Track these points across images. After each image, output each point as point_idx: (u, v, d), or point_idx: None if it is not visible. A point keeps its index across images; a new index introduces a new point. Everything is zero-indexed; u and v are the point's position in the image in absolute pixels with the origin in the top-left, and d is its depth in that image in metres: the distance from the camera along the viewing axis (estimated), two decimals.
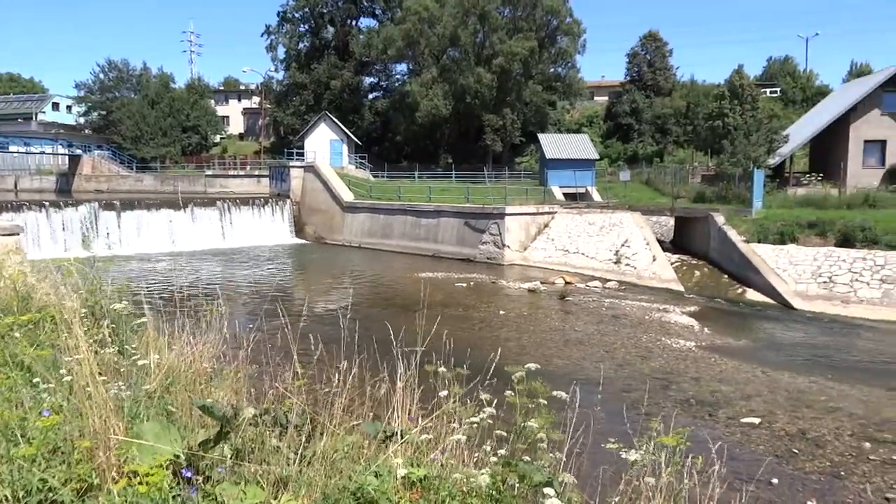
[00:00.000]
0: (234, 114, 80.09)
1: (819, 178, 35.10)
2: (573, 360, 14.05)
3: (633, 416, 8.97)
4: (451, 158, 60.07)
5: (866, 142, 35.93)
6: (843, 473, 8.49)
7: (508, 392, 2.95)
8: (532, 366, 3.11)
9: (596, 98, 71.68)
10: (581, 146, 44.19)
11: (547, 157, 42.85)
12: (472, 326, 17.30)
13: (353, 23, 67.19)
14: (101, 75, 69.93)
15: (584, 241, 28.40)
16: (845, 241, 22.24)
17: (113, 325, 4.35)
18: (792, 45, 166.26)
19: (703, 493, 3.18)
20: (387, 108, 62.84)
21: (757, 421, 10.31)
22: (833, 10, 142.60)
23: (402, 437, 2.63)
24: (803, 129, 40.18)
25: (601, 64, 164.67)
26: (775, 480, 8.20)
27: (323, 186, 40.21)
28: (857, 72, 58.48)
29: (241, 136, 78.69)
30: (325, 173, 40.56)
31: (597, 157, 45.68)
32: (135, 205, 35.64)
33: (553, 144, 44.42)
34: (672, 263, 26.11)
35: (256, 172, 53.77)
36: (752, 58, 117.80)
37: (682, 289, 23.42)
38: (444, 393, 3.19)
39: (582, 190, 40.40)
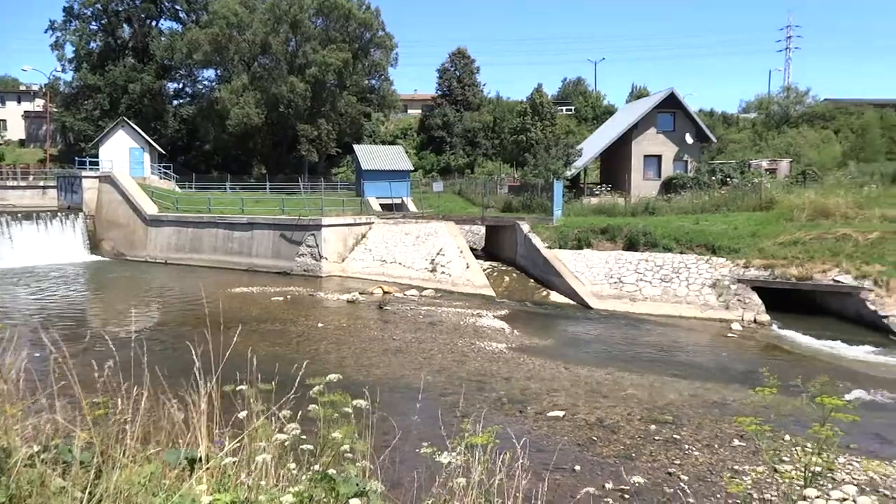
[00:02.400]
0: (12, 117, 71.25)
1: (609, 189, 38.74)
2: (393, 369, 14.20)
3: (450, 419, 9.26)
4: (265, 169, 58.31)
5: (646, 156, 40.30)
6: (634, 454, 9.39)
7: (313, 405, 2.90)
8: (333, 377, 3.08)
9: (409, 111, 73.45)
10: (396, 157, 44.94)
11: (363, 169, 43.06)
12: (290, 341, 16.86)
13: (154, 24, 62.87)
14: None
15: (401, 251, 28.86)
16: (631, 245, 24.73)
17: None
18: (583, 68, 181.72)
19: (511, 485, 3.35)
20: (194, 115, 59.47)
21: (561, 414, 11.09)
22: (617, 39, 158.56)
23: (206, 463, 2.48)
24: (594, 144, 44.14)
25: (414, 78, 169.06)
26: (578, 467, 8.86)
27: (122, 198, 37.04)
28: (637, 94, 65.42)
29: (21, 143, 70.15)
30: (125, 184, 37.42)
31: (411, 168, 46.72)
32: None
33: (369, 156, 44.74)
34: (484, 270, 27.36)
35: (42, 183, 48.06)
36: (550, 78, 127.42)
37: (493, 294, 24.61)
38: (244, 413, 3.05)
39: (398, 200, 41.07)
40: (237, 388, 3.26)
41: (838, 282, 19.73)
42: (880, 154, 43.73)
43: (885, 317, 18.05)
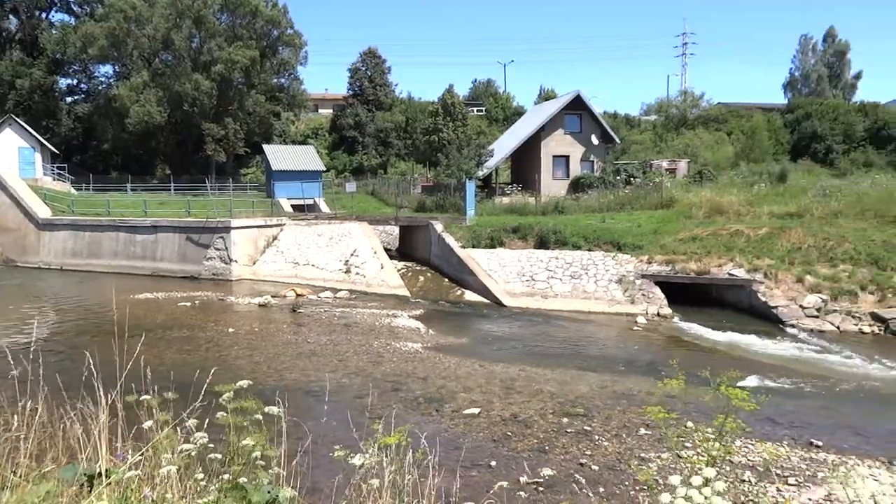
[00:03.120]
0: None
1: (520, 188, 39.52)
2: (307, 372, 13.97)
3: (366, 421, 9.21)
4: (169, 169, 56.03)
5: (554, 157, 41.38)
6: (547, 448, 9.63)
7: (221, 413, 2.82)
8: (244, 382, 3.02)
9: (321, 111, 72.42)
10: (307, 158, 44.25)
11: (273, 169, 42.16)
12: (199, 347, 16.29)
13: (43, 15, 59.12)
14: None
15: (314, 253, 28.42)
16: (542, 244, 25.35)
17: None
18: (493, 70, 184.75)
19: (425, 483, 3.37)
20: (90, 112, 56.32)
21: (477, 411, 11.24)
22: (525, 41, 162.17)
23: (106, 478, 2.36)
24: (505, 144, 44.95)
25: (325, 77, 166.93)
26: (493, 462, 9.01)
27: (11, 201, 34.69)
28: (545, 96, 67.04)
29: None
30: (14, 186, 35.06)
31: (323, 168, 46.12)
32: None
33: (279, 156, 43.85)
34: (399, 270, 27.35)
35: None
36: (460, 79, 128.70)
37: (408, 294, 24.63)
38: (149, 424, 2.93)
39: (310, 201, 40.45)
40: (140, 399, 3.12)
41: (732, 275, 20.95)
42: (768, 155, 46.76)
43: (775, 307, 19.31)
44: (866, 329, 17.87)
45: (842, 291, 19.11)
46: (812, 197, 25.69)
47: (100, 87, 59.77)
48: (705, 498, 2.10)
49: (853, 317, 18.34)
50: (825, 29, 74.49)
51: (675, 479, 2.29)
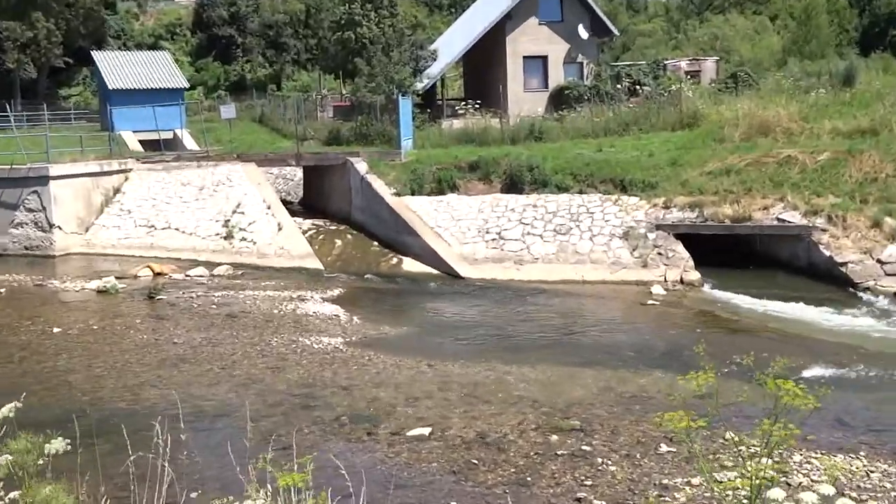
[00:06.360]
0: None
1: (477, 106, 39.31)
2: (175, 387, 13.75)
3: (264, 455, 9.12)
4: None
5: (525, 58, 41.17)
6: (529, 479, 9.73)
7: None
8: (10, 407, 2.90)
9: None
10: (161, 70, 43.19)
11: (110, 88, 41.04)
12: (11, 358, 15.88)
13: None
14: None
15: (177, 211, 27.86)
16: (513, 186, 25.36)
17: None
18: None
19: None
20: None
21: (427, 431, 11.26)
22: None
23: None
24: (454, 42, 44.51)
25: None
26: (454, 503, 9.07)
27: None
28: None
29: None
30: None
31: (186, 85, 45.17)
32: None
33: (118, 68, 42.66)
34: (305, 232, 27.11)
35: None
36: None
37: (321, 266, 24.44)
38: None
39: (168, 135, 39.53)
40: None
41: (783, 221, 21.36)
42: (828, 47, 47.53)
43: (843, 263, 19.77)
44: None
45: None
46: (891, 106, 26.28)
47: None
48: None
49: None
50: None
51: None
